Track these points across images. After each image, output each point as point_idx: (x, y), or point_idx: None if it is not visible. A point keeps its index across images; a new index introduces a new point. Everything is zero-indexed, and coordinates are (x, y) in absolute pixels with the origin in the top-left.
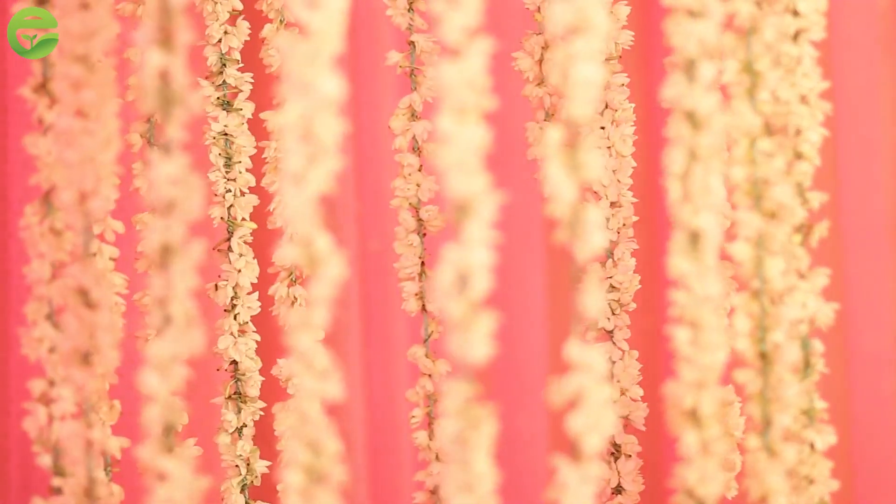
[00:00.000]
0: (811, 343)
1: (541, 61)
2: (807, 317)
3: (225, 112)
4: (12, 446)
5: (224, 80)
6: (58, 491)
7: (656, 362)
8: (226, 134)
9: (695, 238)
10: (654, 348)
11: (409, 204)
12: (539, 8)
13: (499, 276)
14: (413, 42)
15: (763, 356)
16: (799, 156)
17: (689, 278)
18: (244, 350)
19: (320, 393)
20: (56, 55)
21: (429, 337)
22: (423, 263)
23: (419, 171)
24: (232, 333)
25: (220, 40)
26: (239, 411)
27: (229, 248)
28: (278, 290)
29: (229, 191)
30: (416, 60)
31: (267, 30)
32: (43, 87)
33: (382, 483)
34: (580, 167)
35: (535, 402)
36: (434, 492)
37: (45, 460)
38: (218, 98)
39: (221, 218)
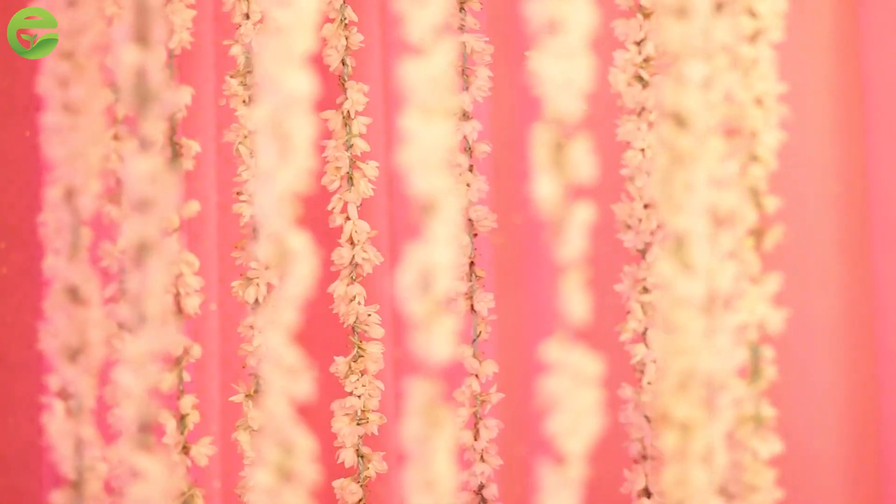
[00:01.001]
0: (760, 349)
1: None
2: (755, 323)
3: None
4: (45, 443)
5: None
6: (73, 486)
7: None
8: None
9: (679, 240)
10: None
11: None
12: None
13: None
14: (464, 42)
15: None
16: (754, 159)
17: (669, 280)
18: None
19: (289, 391)
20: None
21: (477, 337)
22: (471, 263)
23: (469, 170)
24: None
25: (251, 40)
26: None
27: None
28: (337, 288)
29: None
30: (467, 60)
31: (327, 29)
32: None
33: None
34: (567, 167)
35: None
36: (478, 491)
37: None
38: (249, 97)
39: (252, 216)
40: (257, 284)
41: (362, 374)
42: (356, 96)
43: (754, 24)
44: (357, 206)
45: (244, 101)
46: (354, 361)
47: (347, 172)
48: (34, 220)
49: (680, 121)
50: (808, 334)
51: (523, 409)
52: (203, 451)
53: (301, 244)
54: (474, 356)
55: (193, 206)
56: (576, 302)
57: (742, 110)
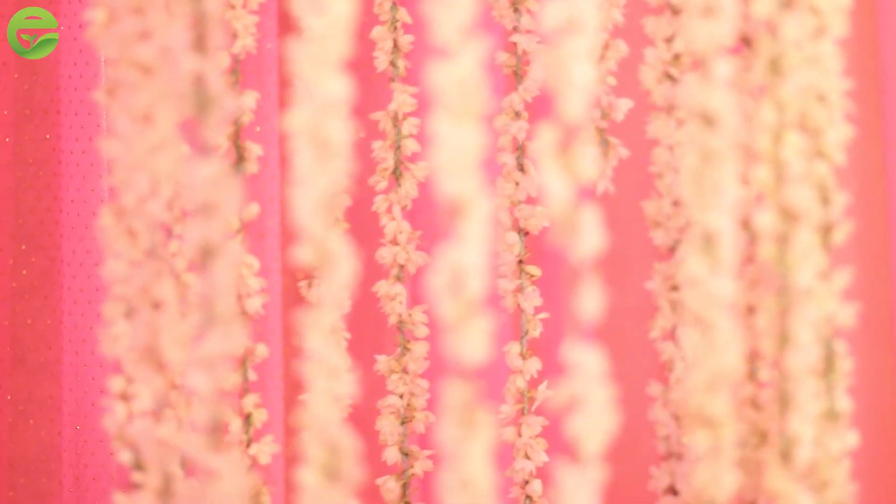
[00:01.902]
0: (834, 344)
1: None
2: (825, 318)
3: None
4: (65, 444)
5: None
6: (138, 487)
7: None
8: None
9: (707, 238)
10: None
11: (511, 202)
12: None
13: None
14: (516, 42)
15: (782, 358)
16: (820, 155)
17: (700, 278)
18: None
19: (334, 392)
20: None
21: (525, 334)
22: (521, 262)
23: (519, 169)
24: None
25: None
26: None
27: None
28: (381, 287)
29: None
30: (520, 61)
31: (377, 32)
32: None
33: None
34: (574, 168)
35: None
36: (522, 487)
37: (126, 456)
38: None
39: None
40: (318, 284)
41: (404, 373)
42: (402, 97)
43: (817, 21)
44: (402, 207)
45: None
46: (396, 360)
47: (395, 173)
48: (53, 223)
49: (708, 120)
50: None
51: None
52: (266, 449)
53: (342, 246)
54: (521, 354)
55: (254, 209)
56: (589, 302)
57: (807, 107)
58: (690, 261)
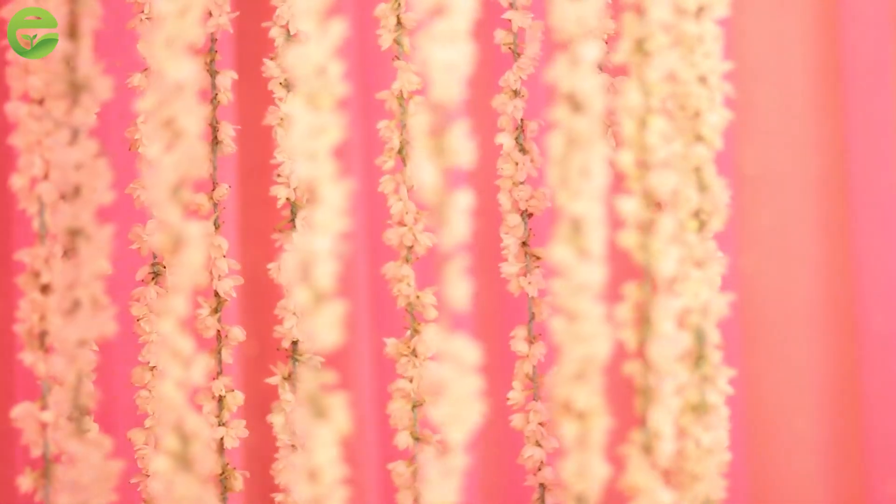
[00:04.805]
0: (705, 334)
1: None
2: (698, 307)
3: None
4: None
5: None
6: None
7: None
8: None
9: (575, 225)
10: None
11: (513, 183)
12: None
13: None
14: (511, 20)
15: (644, 348)
16: (699, 139)
17: (568, 266)
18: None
19: (184, 379)
20: None
21: (532, 318)
22: (524, 244)
23: (518, 150)
24: (295, 314)
25: (287, 21)
26: (296, 392)
27: (292, 228)
28: (389, 269)
29: (293, 172)
30: (517, 38)
31: (380, 10)
32: None
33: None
34: (446, 153)
35: None
36: (535, 474)
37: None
38: (285, 80)
39: (287, 199)
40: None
41: (414, 356)
42: (406, 76)
43: (698, 0)
44: (409, 188)
45: (281, 84)
46: (406, 343)
47: (400, 152)
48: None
49: (575, 103)
50: (789, 315)
51: None
52: (233, 433)
53: (193, 232)
54: (527, 339)
55: (223, 190)
56: (457, 289)
57: (686, 89)
58: (558, 248)
